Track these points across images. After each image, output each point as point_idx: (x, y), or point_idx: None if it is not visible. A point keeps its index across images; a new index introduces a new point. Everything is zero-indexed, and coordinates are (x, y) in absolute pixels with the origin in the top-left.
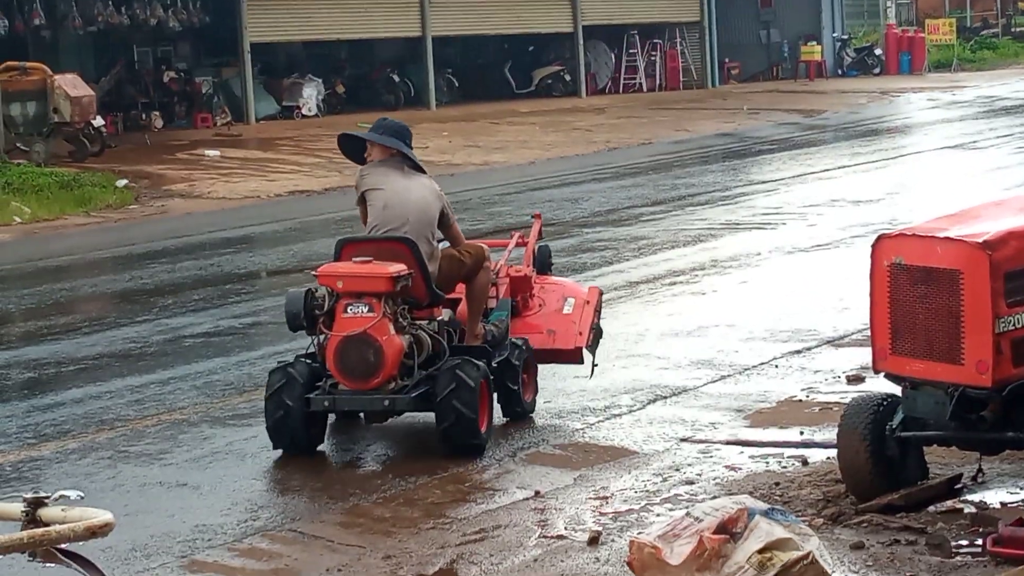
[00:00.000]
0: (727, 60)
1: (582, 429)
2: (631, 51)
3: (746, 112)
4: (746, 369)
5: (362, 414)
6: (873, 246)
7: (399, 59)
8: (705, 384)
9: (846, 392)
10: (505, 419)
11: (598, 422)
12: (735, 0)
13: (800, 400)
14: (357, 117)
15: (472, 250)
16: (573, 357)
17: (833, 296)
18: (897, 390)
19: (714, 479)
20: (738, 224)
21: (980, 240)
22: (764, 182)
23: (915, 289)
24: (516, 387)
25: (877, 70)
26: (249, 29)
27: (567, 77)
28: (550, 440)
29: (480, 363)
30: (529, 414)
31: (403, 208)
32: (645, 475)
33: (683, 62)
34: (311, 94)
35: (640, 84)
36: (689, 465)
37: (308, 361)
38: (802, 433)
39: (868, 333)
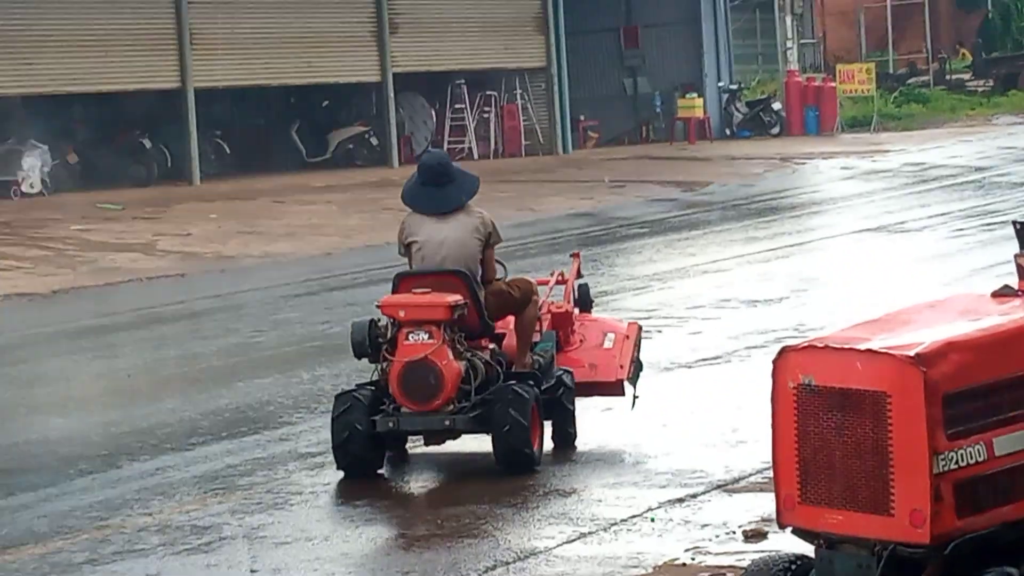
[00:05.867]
0: (582, 118)
1: None
2: (457, 106)
3: (608, 185)
4: (612, 524)
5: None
6: (775, 362)
7: (151, 119)
8: (559, 545)
9: (743, 553)
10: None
11: None
12: (591, 40)
13: (684, 564)
14: (95, 196)
15: (520, 284)
16: (614, 389)
17: (724, 426)
18: (809, 549)
19: None
20: None
21: (912, 353)
22: (633, 278)
23: (829, 418)
24: (571, 407)
25: (776, 130)
26: None
27: (373, 141)
28: None
29: (532, 386)
30: (574, 442)
31: (437, 255)
32: None
33: (525, 120)
34: (33, 165)
35: (469, 149)
36: None
37: (371, 388)
38: None
39: (770, 475)
